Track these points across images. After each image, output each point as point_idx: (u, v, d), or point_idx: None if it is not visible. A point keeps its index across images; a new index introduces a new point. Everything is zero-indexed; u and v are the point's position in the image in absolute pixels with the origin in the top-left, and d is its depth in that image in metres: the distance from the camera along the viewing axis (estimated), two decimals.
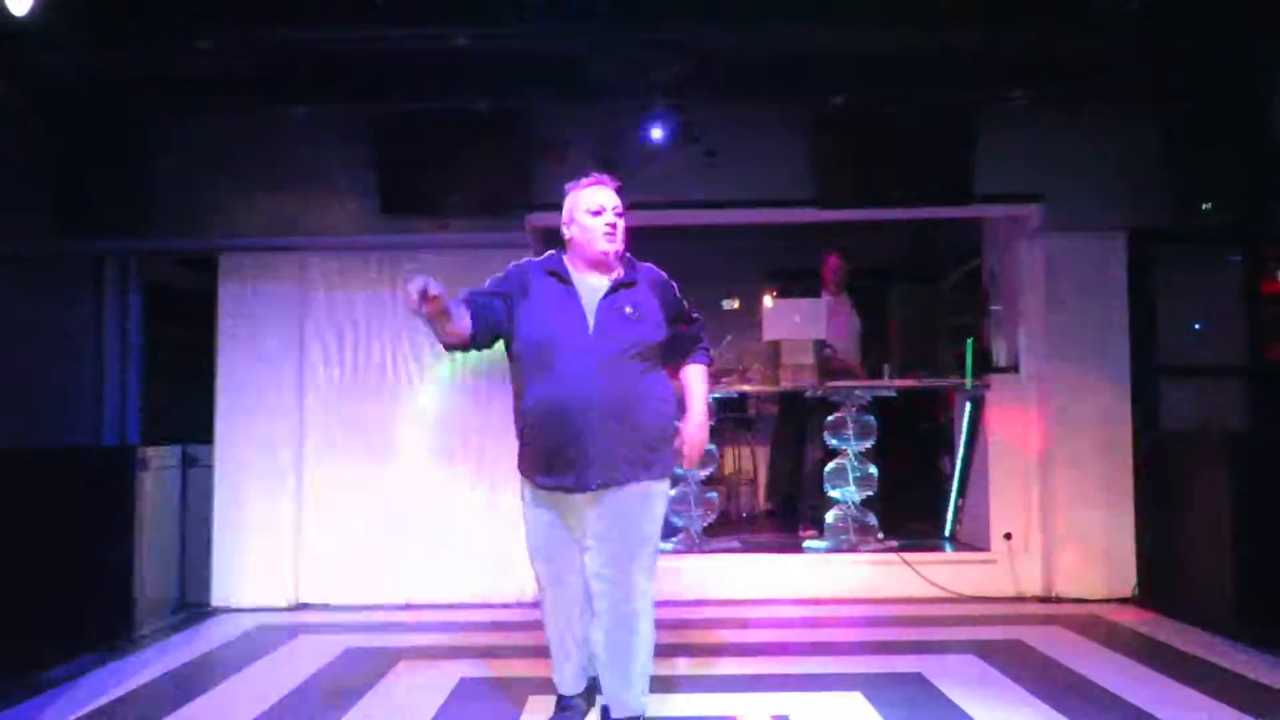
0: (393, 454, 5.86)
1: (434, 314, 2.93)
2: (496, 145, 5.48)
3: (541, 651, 4.62)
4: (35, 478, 4.45)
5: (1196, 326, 6.08)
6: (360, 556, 5.81)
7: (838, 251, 7.00)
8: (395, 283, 5.92)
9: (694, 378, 3.48)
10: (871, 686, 3.93)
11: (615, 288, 3.25)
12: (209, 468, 5.77)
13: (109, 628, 4.86)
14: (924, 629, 5.04)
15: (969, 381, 6.00)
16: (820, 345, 6.27)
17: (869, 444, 6.22)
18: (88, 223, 5.51)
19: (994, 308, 6.51)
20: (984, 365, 6.15)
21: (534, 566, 3.37)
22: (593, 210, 3.26)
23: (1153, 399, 5.76)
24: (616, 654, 3.13)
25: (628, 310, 3.21)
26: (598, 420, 3.10)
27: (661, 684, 3.95)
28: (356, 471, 5.85)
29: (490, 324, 3.20)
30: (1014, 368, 6.04)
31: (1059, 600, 5.64)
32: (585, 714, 3.50)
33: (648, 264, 3.39)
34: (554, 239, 6.48)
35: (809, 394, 6.36)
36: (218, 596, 5.70)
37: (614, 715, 3.16)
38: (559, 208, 5.60)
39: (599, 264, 3.27)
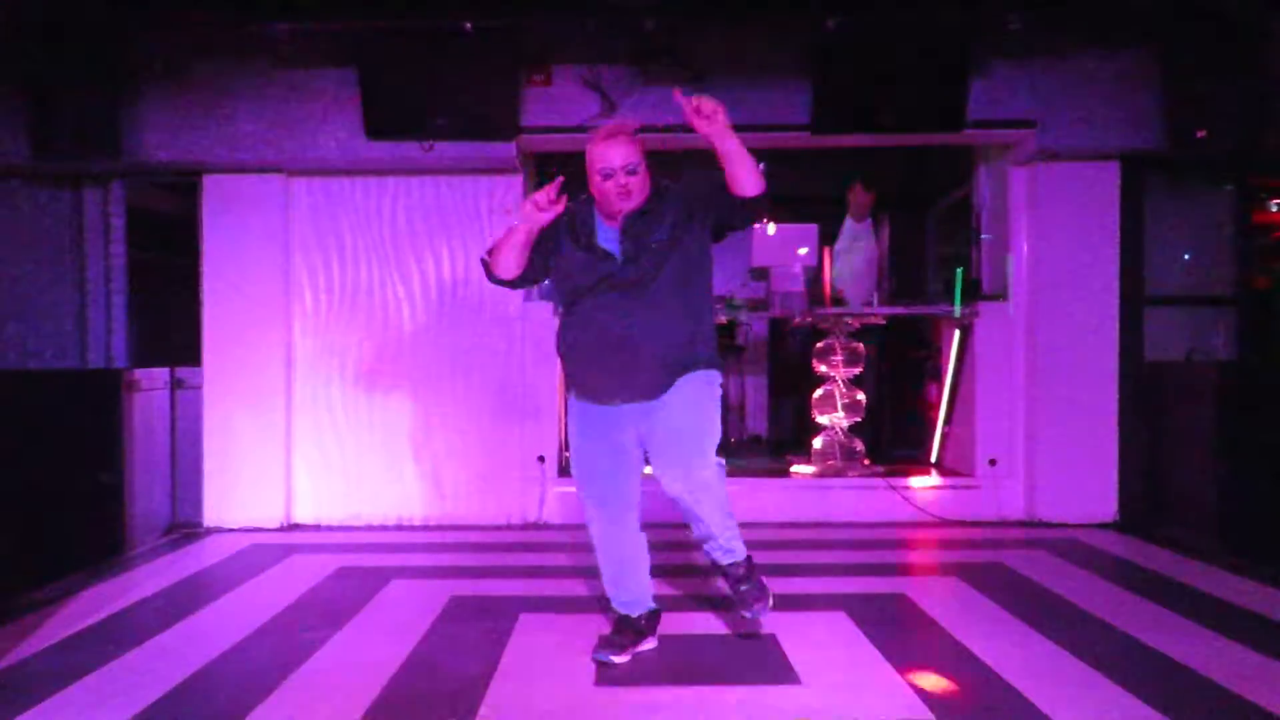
0: (381, 376, 5.87)
1: (541, 227, 3.22)
2: (484, 65, 5.37)
3: (531, 572, 4.74)
4: (26, 400, 4.44)
5: (1185, 256, 6.10)
6: (351, 477, 5.85)
7: (860, 181, 6.95)
8: (382, 207, 5.88)
9: None
10: (855, 606, 4.00)
11: (630, 222, 3.25)
12: (198, 390, 5.77)
13: (100, 548, 4.90)
14: (908, 552, 5.12)
15: (957, 310, 6.01)
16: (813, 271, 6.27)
17: (857, 371, 6.26)
18: (67, 143, 5.43)
19: (984, 237, 6.50)
20: (973, 294, 6.16)
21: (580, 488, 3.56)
22: (603, 174, 3.20)
23: (1139, 327, 5.79)
24: (703, 514, 3.30)
25: (654, 241, 3.23)
26: (629, 356, 3.24)
27: (670, 603, 4.03)
28: (345, 395, 5.87)
29: (531, 271, 3.40)
30: (1002, 295, 6.05)
31: (1042, 525, 5.73)
32: (638, 639, 3.49)
33: (679, 181, 3.39)
34: (545, 162, 6.48)
35: (797, 321, 6.37)
36: (209, 517, 5.74)
37: (722, 561, 3.39)
38: (549, 130, 5.66)
39: (615, 215, 3.29)
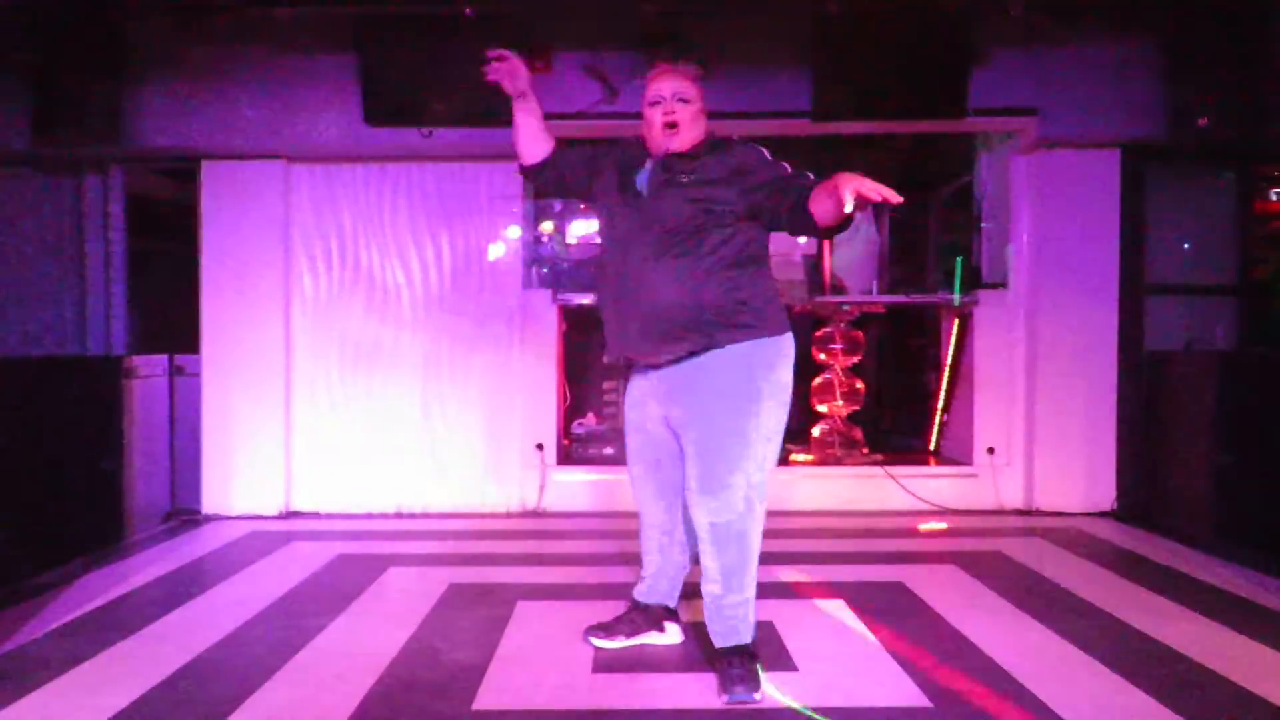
0: (381, 364, 5.87)
1: (521, 91, 3.25)
2: (483, 51, 5.33)
3: (530, 559, 4.74)
4: (25, 386, 4.44)
5: (1186, 246, 6.09)
6: (350, 465, 5.86)
7: (861, 169, 6.93)
8: (382, 193, 5.87)
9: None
10: (854, 594, 4.00)
11: (669, 159, 3.05)
12: (197, 377, 5.77)
13: (99, 534, 4.91)
14: (906, 540, 5.13)
15: (957, 298, 6.00)
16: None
17: (856, 359, 6.27)
18: (67, 128, 5.41)
19: (984, 225, 6.49)
20: (973, 282, 6.15)
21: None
22: (651, 101, 3.07)
23: (1139, 316, 5.78)
24: (711, 562, 3.02)
25: (684, 180, 2.99)
26: (646, 305, 2.97)
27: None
28: (345, 382, 5.87)
29: (566, 169, 3.31)
30: (1002, 284, 6.04)
31: (1039, 514, 5.73)
32: (635, 630, 3.35)
33: (748, 144, 3.09)
34: None
35: (797, 309, 6.36)
36: (208, 504, 5.74)
37: (716, 638, 3.06)
38: (551, 116, 5.55)
39: (662, 152, 3.08)
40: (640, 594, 3.42)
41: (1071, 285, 5.73)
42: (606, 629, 3.39)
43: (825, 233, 2.92)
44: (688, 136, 3.04)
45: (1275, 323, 6.07)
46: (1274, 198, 6.37)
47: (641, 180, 3.08)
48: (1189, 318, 5.99)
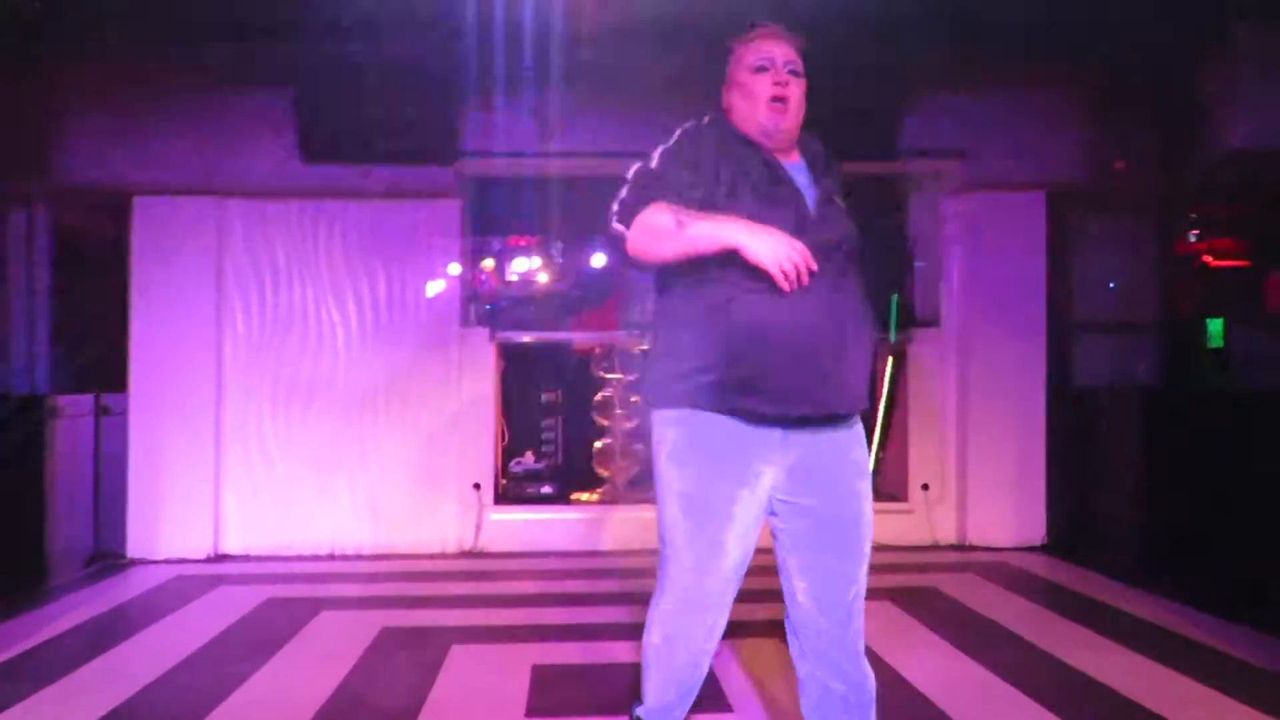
0: (315, 401, 5.77)
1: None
2: (422, 90, 5.36)
3: (465, 601, 4.68)
4: None
5: (1111, 285, 6.26)
6: (283, 506, 5.74)
7: None
8: (318, 231, 5.81)
9: None
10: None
11: (813, 166, 2.37)
12: (123, 416, 5.64)
13: (18, 579, 4.76)
14: None
15: (892, 335, 6.09)
16: None
17: None
18: None
19: (916, 264, 6.60)
20: (907, 320, 6.25)
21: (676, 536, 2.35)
22: (756, 67, 2.33)
23: (1067, 353, 5.92)
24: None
25: (831, 190, 2.34)
26: (828, 342, 2.19)
27: (607, 632, 4.01)
28: (278, 421, 5.77)
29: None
30: (935, 322, 6.14)
31: (973, 549, 5.81)
32: None
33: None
34: (483, 187, 6.44)
35: None
36: (134, 548, 5.58)
37: None
38: (488, 154, 5.63)
39: (768, 138, 2.32)
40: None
41: (1001, 323, 5.86)
42: None
43: None
44: (795, 121, 2.34)
45: (1196, 359, 6.25)
46: (1192, 239, 6.58)
47: (803, 182, 2.32)
48: (1114, 355, 6.15)
